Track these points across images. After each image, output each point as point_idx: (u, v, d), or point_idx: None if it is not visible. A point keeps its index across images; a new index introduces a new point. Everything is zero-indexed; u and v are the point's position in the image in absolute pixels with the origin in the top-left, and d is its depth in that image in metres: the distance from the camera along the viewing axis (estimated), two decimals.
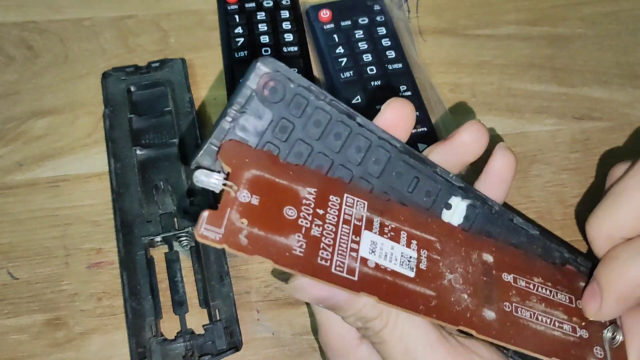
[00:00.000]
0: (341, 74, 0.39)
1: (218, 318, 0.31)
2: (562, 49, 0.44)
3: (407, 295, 0.23)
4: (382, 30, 0.42)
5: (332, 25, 0.42)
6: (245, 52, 0.40)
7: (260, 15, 0.42)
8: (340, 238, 0.23)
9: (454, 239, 0.25)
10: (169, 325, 0.32)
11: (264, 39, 0.41)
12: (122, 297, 0.32)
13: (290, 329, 0.33)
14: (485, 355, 0.24)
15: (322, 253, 0.22)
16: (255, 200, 0.22)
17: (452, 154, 0.26)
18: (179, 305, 0.32)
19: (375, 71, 0.40)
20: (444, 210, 0.25)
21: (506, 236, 0.26)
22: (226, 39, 0.41)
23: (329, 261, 0.22)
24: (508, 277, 0.26)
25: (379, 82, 0.39)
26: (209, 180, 0.22)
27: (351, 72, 0.40)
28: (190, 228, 0.34)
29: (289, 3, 0.43)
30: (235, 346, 0.31)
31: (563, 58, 0.43)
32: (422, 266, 0.24)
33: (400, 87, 0.39)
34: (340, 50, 0.41)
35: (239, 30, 0.41)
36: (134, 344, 0.31)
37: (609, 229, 0.26)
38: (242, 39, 0.41)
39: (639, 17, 0.45)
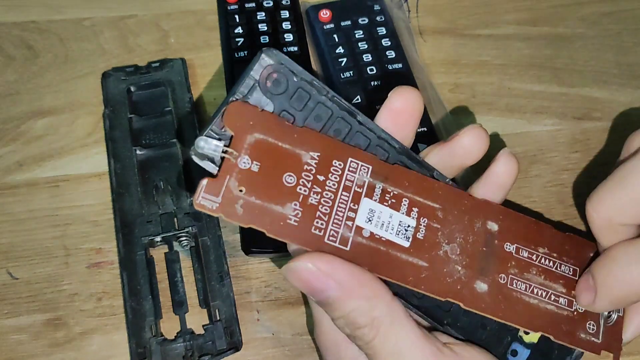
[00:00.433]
0: (341, 74, 0.39)
1: (218, 318, 0.31)
2: (562, 49, 0.44)
3: (398, 267, 0.23)
4: (382, 30, 0.42)
5: (332, 25, 0.42)
6: (245, 52, 0.40)
7: (260, 15, 0.42)
8: (338, 206, 0.23)
9: (459, 205, 0.25)
10: (169, 325, 0.32)
11: (264, 39, 0.41)
12: (122, 297, 0.32)
13: (290, 329, 0.33)
14: None
15: (317, 222, 0.22)
16: (255, 167, 0.22)
17: (451, 156, 0.26)
18: (179, 305, 0.32)
19: (375, 71, 0.40)
20: None
21: None
22: (226, 39, 0.41)
23: (322, 230, 0.22)
24: (510, 247, 0.25)
25: (379, 82, 0.39)
26: (209, 146, 0.22)
27: (351, 72, 0.40)
28: (190, 228, 0.34)
29: (289, 3, 0.43)
30: (235, 346, 0.31)
31: (563, 58, 0.43)
32: (420, 235, 0.24)
33: None
34: (340, 50, 0.41)
35: (239, 30, 0.41)
36: (134, 344, 0.31)
37: (608, 211, 0.26)
38: (242, 39, 0.41)
39: (639, 17, 0.45)
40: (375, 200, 0.23)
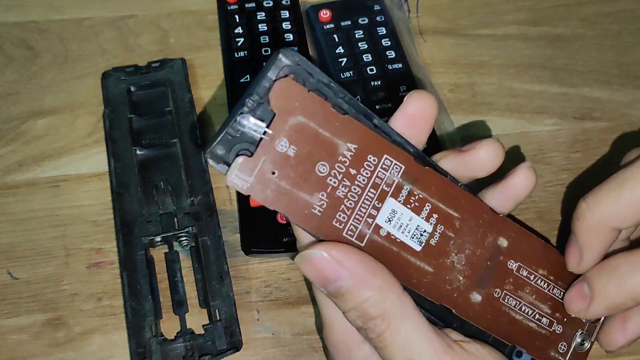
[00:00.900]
0: (341, 74, 0.39)
1: (218, 318, 0.31)
2: (562, 49, 0.44)
3: (404, 268, 0.24)
4: (382, 30, 0.42)
5: (332, 25, 0.42)
6: (245, 52, 0.40)
7: (260, 15, 0.42)
8: (363, 202, 0.23)
9: (477, 218, 0.25)
10: (169, 325, 0.32)
11: (264, 39, 0.41)
12: (122, 297, 0.32)
13: (290, 329, 0.33)
14: None
15: (339, 215, 0.23)
16: (291, 151, 0.22)
17: (464, 166, 0.26)
18: (179, 305, 0.32)
19: (375, 71, 0.40)
20: None
21: None
22: (226, 39, 0.41)
23: (343, 224, 0.23)
24: (513, 265, 0.26)
25: (379, 82, 0.39)
26: (250, 124, 0.21)
27: (351, 72, 0.40)
28: (190, 228, 0.34)
29: (289, 3, 0.43)
30: (235, 346, 0.31)
31: (563, 58, 0.43)
32: (432, 242, 0.24)
33: (400, 87, 0.39)
34: (340, 50, 0.41)
35: (239, 30, 0.41)
36: (134, 344, 0.31)
37: (603, 213, 0.26)
38: (242, 39, 0.41)
39: (639, 17, 0.45)
40: (399, 202, 0.23)
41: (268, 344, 0.32)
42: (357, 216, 0.23)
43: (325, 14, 0.42)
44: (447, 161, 0.26)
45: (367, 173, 0.23)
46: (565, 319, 0.27)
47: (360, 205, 0.23)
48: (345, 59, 0.40)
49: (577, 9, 0.46)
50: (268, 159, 0.21)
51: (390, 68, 0.40)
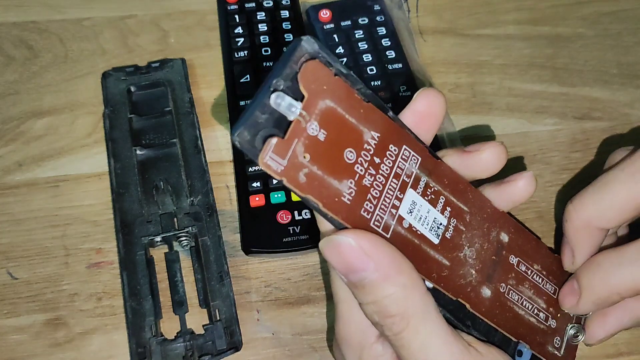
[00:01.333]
0: None
1: (218, 318, 0.31)
2: (563, 49, 0.44)
3: (425, 262, 0.23)
4: (382, 30, 0.42)
5: (332, 25, 0.42)
6: (245, 52, 0.40)
7: (260, 15, 0.42)
8: (387, 192, 0.23)
9: (483, 212, 0.26)
10: (169, 325, 0.32)
11: (264, 39, 0.41)
12: (122, 297, 0.32)
13: (290, 329, 0.33)
14: None
15: (367, 205, 0.22)
16: (322, 136, 0.21)
17: (466, 166, 0.26)
18: (179, 305, 0.32)
19: (375, 71, 0.40)
20: None
21: None
22: (226, 39, 0.41)
23: (370, 214, 0.22)
24: (513, 260, 0.26)
25: (379, 82, 0.39)
26: (285, 103, 0.20)
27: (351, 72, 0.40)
28: (190, 228, 0.34)
29: (289, 3, 0.43)
30: (235, 346, 0.31)
31: (563, 58, 0.43)
32: (448, 235, 0.24)
33: (400, 87, 0.39)
34: (340, 50, 0.41)
35: (239, 30, 0.41)
36: (134, 344, 0.31)
37: (588, 214, 0.27)
38: (242, 39, 0.41)
39: (639, 17, 0.45)
40: (418, 193, 0.23)
41: (268, 344, 0.32)
42: (382, 206, 0.22)
43: (325, 14, 0.42)
44: (450, 160, 0.26)
45: (389, 162, 0.23)
46: (558, 314, 0.28)
47: (385, 195, 0.22)
48: (345, 59, 0.40)
49: (577, 9, 0.46)
50: (301, 141, 0.20)
51: (390, 68, 0.40)
